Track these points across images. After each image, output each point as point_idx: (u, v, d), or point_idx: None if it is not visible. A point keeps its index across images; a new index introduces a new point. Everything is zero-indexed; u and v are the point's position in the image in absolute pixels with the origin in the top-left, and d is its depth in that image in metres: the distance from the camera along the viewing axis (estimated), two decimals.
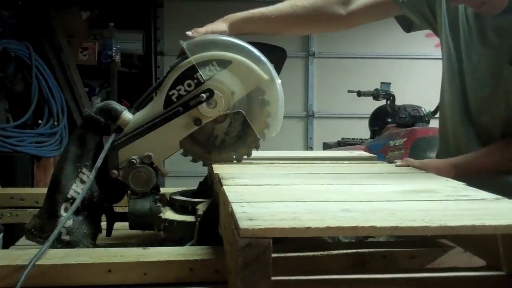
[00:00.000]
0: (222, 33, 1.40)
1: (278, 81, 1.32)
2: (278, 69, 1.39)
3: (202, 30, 1.37)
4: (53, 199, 1.21)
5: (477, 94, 1.38)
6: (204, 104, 1.26)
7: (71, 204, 1.19)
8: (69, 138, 1.31)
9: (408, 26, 1.59)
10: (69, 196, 1.21)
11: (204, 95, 1.25)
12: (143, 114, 1.28)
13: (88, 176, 1.22)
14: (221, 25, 1.42)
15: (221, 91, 1.26)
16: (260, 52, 1.31)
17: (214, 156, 1.35)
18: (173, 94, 1.26)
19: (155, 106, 1.27)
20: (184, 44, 1.29)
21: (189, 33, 1.35)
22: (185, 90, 1.26)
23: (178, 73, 1.26)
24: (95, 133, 1.26)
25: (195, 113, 1.27)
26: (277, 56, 1.40)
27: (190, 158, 1.36)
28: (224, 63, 1.27)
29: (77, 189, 1.21)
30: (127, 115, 1.27)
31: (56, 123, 4.05)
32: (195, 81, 1.26)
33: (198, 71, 1.26)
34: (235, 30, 1.44)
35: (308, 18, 1.54)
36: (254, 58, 1.30)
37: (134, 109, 1.30)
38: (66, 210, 1.20)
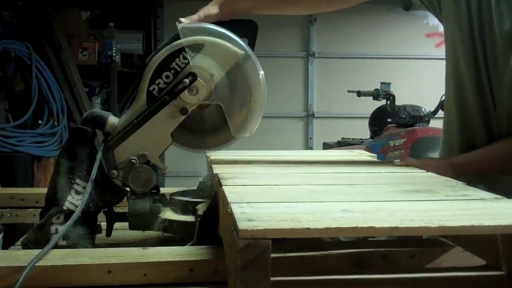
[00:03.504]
0: (215, 16, 1.39)
1: (262, 72, 1.30)
2: (252, 42, 1.38)
3: (195, 17, 1.37)
4: (48, 212, 1.21)
5: (492, 80, 1.36)
6: (185, 92, 1.25)
7: (66, 214, 1.19)
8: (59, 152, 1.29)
9: (407, 4, 1.56)
10: (64, 207, 1.20)
11: (187, 80, 1.24)
12: (128, 115, 1.27)
13: (83, 186, 1.21)
14: (212, 7, 1.41)
15: (200, 76, 1.26)
16: (229, 30, 1.30)
17: (210, 140, 1.34)
18: (154, 89, 1.25)
19: (138, 105, 1.26)
20: (179, 27, 1.29)
21: (182, 19, 1.35)
22: (165, 83, 1.25)
23: (154, 67, 1.26)
24: (84, 143, 1.26)
25: (179, 103, 1.26)
26: (248, 30, 1.39)
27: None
28: (196, 48, 1.26)
29: (72, 201, 1.21)
30: (112, 119, 1.27)
31: (56, 123, 4.05)
32: (172, 71, 1.25)
33: (173, 61, 1.25)
34: (227, 9, 1.42)
35: None
36: (224, 37, 1.28)
37: (119, 113, 1.30)
38: (58, 218, 1.19)
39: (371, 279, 0.92)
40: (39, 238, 1.18)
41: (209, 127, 1.34)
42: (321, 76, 5.89)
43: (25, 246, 1.20)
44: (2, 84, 3.79)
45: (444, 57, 1.51)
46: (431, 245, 1.08)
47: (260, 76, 1.29)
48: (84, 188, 1.21)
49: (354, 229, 0.74)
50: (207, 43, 1.26)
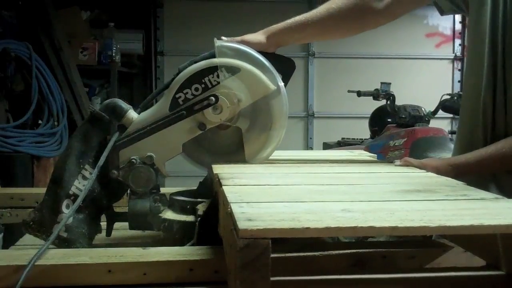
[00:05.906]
0: (258, 43, 1.41)
1: (281, 83, 1.32)
2: (287, 79, 1.40)
3: (238, 38, 1.40)
4: (55, 194, 1.21)
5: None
6: (210, 109, 1.26)
7: (73, 201, 1.19)
8: (72, 133, 1.30)
9: (442, 9, 1.55)
10: (70, 192, 1.20)
11: (208, 100, 1.25)
12: (148, 115, 1.28)
13: (90, 173, 1.22)
14: (259, 36, 1.44)
15: (227, 98, 1.27)
16: (269, 63, 1.32)
17: (217, 161, 1.35)
18: (180, 97, 1.26)
19: (161, 108, 1.27)
20: (216, 44, 1.31)
21: (225, 38, 1.37)
22: (192, 94, 1.26)
23: (186, 76, 1.27)
24: (99, 129, 1.26)
25: (200, 118, 1.27)
26: (286, 67, 1.41)
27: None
28: (232, 70, 1.27)
29: (79, 186, 1.21)
30: (132, 114, 1.28)
31: (56, 123, 4.05)
32: (203, 85, 1.26)
33: (206, 76, 1.26)
34: (274, 41, 1.45)
35: (345, 18, 1.52)
36: (262, 68, 1.30)
37: (139, 108, 1.30)
38: (67, 207, 1.20)
39: (371, 279, 0.92)
40: (44, 222, 1.19)
41: (219, 150, 1.35)
42: (321, 76, 5.89)
43: (27, 224, 1.19)
44: (2, 84, 3.79)
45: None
46: (431, 245, 1.08)
47: (284, 114, 1.32)
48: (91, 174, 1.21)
49: (354, 228, 0.74)
50: (243, 69, 1.28)
